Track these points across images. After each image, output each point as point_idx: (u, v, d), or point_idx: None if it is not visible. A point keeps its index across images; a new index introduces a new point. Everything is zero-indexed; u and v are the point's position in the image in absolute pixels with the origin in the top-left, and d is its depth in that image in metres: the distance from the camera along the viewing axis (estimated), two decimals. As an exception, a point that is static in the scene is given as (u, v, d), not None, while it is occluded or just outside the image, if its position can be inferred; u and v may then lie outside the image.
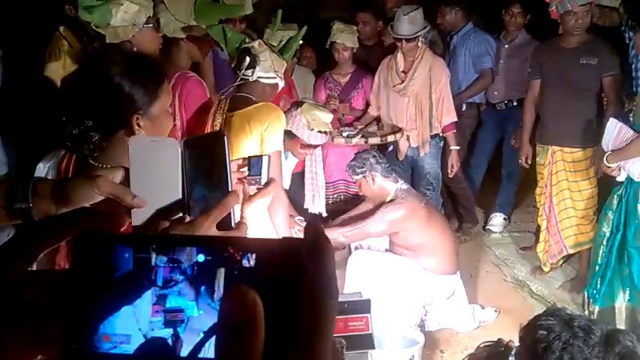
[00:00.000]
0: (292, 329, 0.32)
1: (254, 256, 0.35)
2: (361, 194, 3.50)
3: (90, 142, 1.37)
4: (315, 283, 0.32)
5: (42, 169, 1.50)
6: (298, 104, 3.11)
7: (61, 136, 1.37)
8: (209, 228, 0.74)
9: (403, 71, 4.08)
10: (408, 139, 4.13)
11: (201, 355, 0.35)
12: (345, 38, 4.18)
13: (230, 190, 0.76)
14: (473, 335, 3.31)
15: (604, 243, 3.32)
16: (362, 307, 1.89)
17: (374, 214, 3.30)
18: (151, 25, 2.43)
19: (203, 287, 0.35)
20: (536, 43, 4.38)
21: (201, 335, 0.35)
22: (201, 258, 0.36)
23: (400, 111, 4.12)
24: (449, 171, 4.23)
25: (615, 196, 3.27)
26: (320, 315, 0.32)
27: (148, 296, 0.36)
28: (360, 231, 3.30)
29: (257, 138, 2.40)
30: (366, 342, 1.87)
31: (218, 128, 2.44)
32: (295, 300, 0.32)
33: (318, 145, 3.28)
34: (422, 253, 3.30)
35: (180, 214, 0.77)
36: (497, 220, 4.76)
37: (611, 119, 3.24)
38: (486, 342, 1.66)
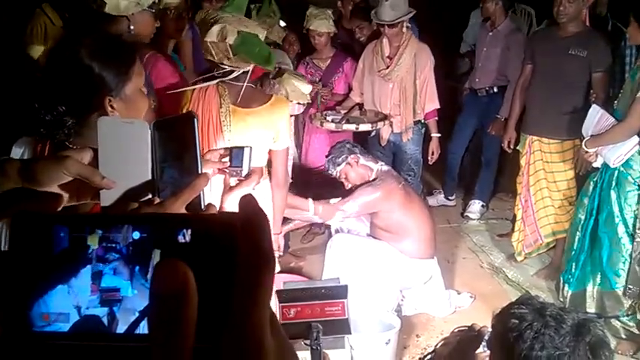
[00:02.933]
0: (228, 303, 0.32)
1: (189, 231, 0.35)
2: (348, 187, 3.46)
3: (64, 127, 1.35)
4: (249, 256, 0.32)
5: (18, 153, 1.47)
6: (278, 73, 3.06)
7: (35, 122, 1.34)
8: (178, 210, 0.74)
9: (388, 57, 4.07)
10: (390, 124, 4.13)
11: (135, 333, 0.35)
12: (318, 24, 4.12)
13: (200, 172, 0.75)
14: (449, 320, 3.35)
15: (579, 229, 3.37)
16: (339, 292, 1.92)
17: (351, 194, 3.30)
18: (153, 10, 2.41)
19: (137, 267, 0.36)
20: (520, 33, 4.37)
21: (136, 315, 0.35)
22: (136, 235, 0.36)
23: (384, 96, 4.11)
24: (429, 158, 4.25)
25: (591, 183, 3.31)
26: (254, 288, 0.32)
27: (84, 275, 0.36)
28: (334, 209, 3.30)
29: (273, 134, 2.41)
30: (342, 327, 1.90)
31: (226, 119, 2.39)
32: (231, 274, 0.32)
33: (293, 116, 3.28)
34: (400, 235, 3.32)
35: (150, 196, 0.76)
36: (475, 207, 4.81)
37: (594, 106, 3.25)
38: (460, 327, 1.68)
